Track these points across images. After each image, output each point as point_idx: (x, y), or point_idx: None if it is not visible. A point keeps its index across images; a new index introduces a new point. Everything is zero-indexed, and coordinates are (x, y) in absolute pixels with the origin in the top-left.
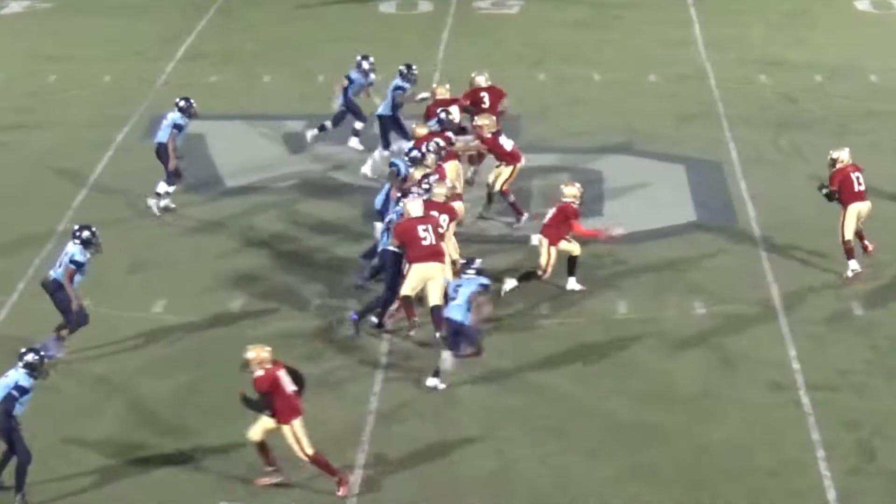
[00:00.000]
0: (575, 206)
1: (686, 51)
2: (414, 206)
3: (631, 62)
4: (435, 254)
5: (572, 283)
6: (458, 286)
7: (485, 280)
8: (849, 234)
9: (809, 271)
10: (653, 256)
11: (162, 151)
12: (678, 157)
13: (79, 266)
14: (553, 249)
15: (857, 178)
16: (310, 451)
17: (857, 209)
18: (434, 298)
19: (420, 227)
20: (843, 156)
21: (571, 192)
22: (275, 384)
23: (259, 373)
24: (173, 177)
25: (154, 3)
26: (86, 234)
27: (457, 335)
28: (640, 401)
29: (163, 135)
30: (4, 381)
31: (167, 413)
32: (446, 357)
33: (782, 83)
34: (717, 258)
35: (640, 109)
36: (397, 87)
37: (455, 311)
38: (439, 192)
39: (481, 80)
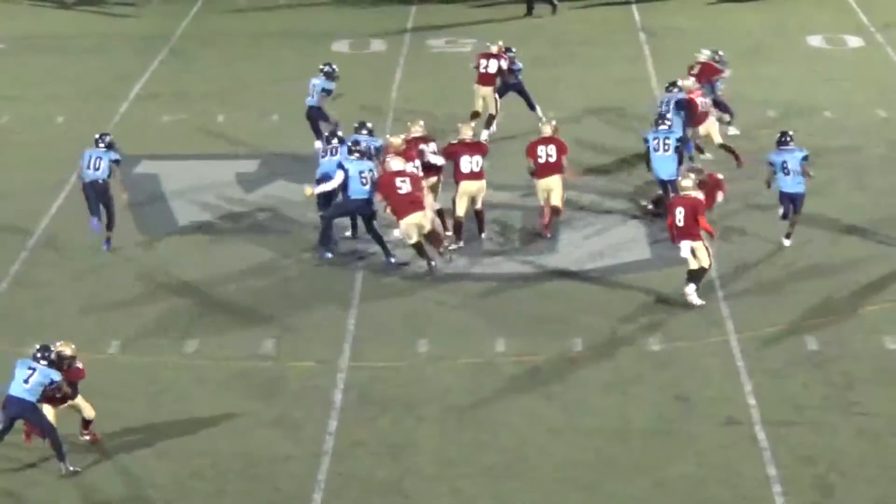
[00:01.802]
0: (700, 197)
1: (639, 87)
2: (395, 162)
3: (585, 99)
4: (413, 203)
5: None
6: None
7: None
8: None
9: (764, 308)
10: (608, 294)
11: (314, 114)
12: (633, 194)
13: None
14: (701, 244)
15: None
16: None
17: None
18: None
19: (398, 180)
20: None
21: (688, 183)
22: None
23: (79, 365)
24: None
25: (107, 43)
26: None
27: None
28: (595, 437)
29: (314, 100)
30: (35, 377)
31: (124, 453)
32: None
33: (737, 120)
34: (672, 295)
35: (595, 147)
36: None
37: None
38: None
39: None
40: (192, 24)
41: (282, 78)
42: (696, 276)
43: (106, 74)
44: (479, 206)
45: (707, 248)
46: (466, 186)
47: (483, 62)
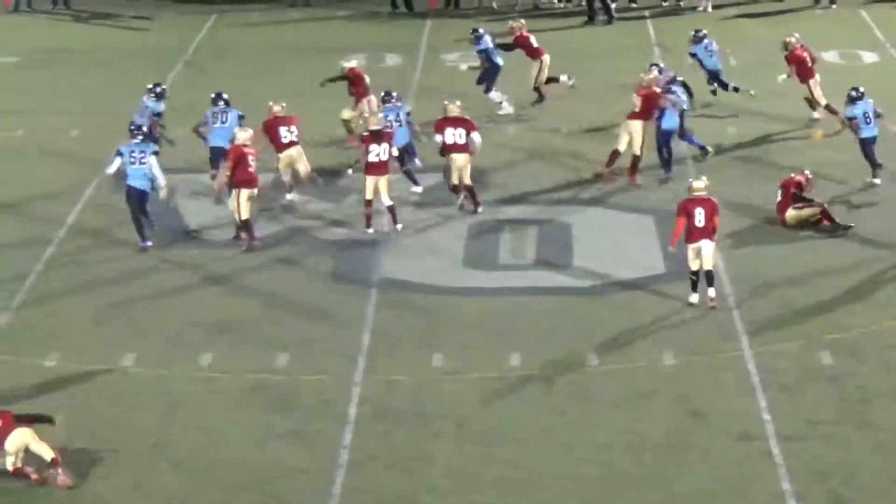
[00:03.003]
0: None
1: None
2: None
3: (598, 113)
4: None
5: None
6: None
7: None
8: None
9: (779, 322)
10: (622, 308)
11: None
12: (647, 209)
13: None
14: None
15: None
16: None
17: None
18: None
19: (249, 158)
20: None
21: (700, 185)
22: None
23: None
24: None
25: (122, 57)
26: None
27: None
28: (609, 452)
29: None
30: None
31: (138, 467)
32: None
33: (750, 133)
34: (686, 309)
35: (605, 162)
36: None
37: None
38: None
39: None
40: (206, 37)
41: (296, 93)
42: (709, 277)
43: (121, 88)
44: (467, 180)
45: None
46: (454, 159)
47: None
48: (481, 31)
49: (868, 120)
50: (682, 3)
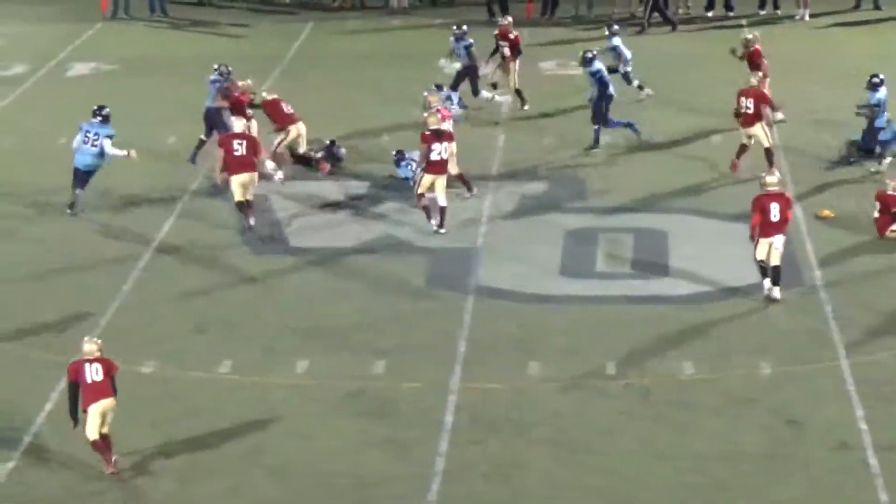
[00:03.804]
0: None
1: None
2: (237, 124)
3: (694, 122)
4: (243, 164)
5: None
6: None
7: None
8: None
9: (876, 331)
10: (718, 316)
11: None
12: (743, 217)
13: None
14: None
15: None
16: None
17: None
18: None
19: (235, 142)
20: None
21: (773, 180)
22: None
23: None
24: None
25: (214, 63)
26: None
27: None
28: (705, 461)
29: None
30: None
31: (234, 473)
32: None
33: (834, 143)
34: (782, 318)
35: (705, 168)
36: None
37: None
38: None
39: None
40: (304, 45)
41: (392, 100)
42: (776, 274)
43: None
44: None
45: None
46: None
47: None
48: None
49: (886, 108)
50: (779, 12)
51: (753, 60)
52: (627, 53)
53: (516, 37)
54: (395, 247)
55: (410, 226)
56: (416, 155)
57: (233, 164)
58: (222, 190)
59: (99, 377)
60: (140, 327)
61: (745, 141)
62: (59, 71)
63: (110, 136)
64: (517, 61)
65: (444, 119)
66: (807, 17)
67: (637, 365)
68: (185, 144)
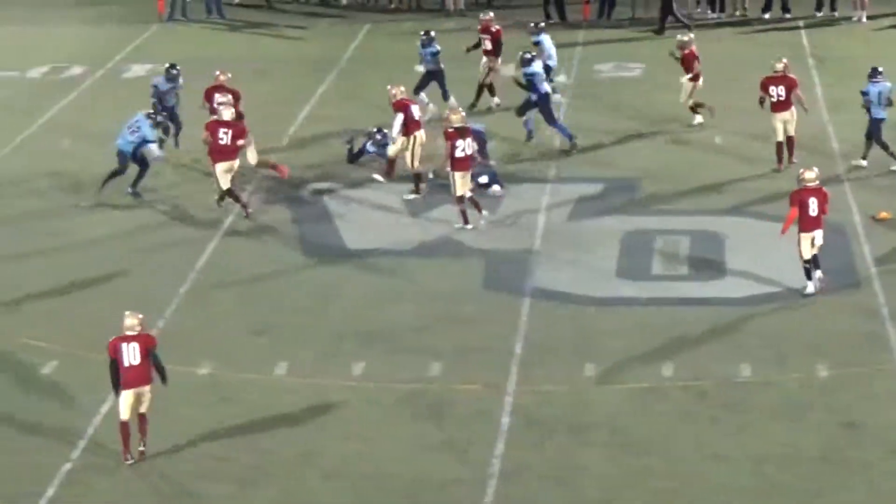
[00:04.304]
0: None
1: (807, 113)
2: (226, 112)
3: (749, 125)
4: (226, 152)
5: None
6: None
7: None
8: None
9: None
10: (775, 318)
11: None
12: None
13: None
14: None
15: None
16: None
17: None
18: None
19: (221, 130)
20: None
21: (811, 175)
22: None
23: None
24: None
25: (277, 66)
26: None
27: None
28: (763, 464)
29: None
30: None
31: (290, 475)
32: None
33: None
34: (839, 321)
35: (760, 172)
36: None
37: None
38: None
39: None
40: (360, 47)
41: (457, 100)
42: (817, 262)
43: (275, 97)
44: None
45: None
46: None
47: None
48: (433, 33)
49: (881, 101)
50: (836, 14)
51: (687, 62)
52: (552, 51)
53: (498, 30)
54: (451, 249)
55: (468, 228)
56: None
57: (217, 152)
58: (279, 192)
59: (136, 360)
60: (197, 329)
61: (779, 137)
62: (116, 73)
63: (151, 141)
64: (498, 58)
65: (410, 105)
66: (864, 19)
67: (694, 367)
68: (240, 145)
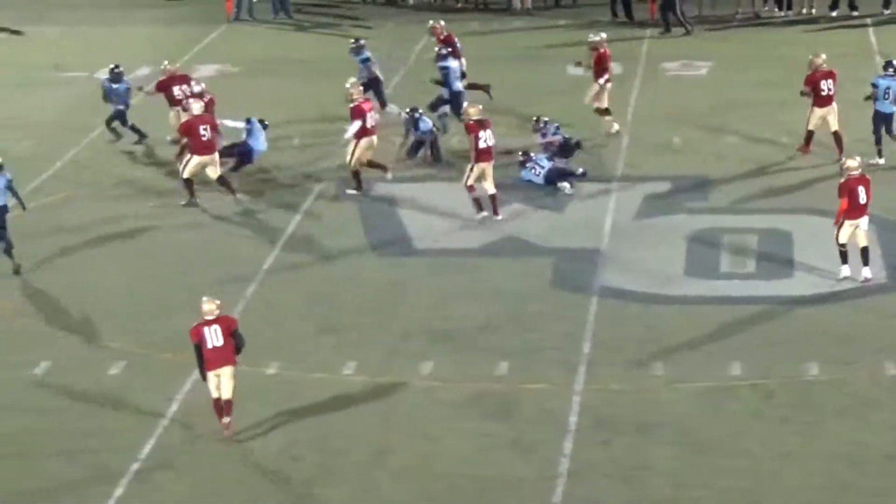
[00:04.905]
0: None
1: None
2: (196, 106)
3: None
4: (206, 147)
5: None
6: None
7: None
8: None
9: None
10: (843, 316)
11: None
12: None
13: None
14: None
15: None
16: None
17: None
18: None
19: (201, 127)
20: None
21: (854, 164)
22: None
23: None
24: None
25: (342, 65)
26: None
27: None
28: (831, 462)
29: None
30: None
31: (359, 475)
32: None
33: None
34: None
35: (828, 167)
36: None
37: None
38: None
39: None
40: (427, 46)
41: (512, 101)
42: (866, 255)
43: (341, 98)
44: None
45: None
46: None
47: None
48: (362, 41)
49: (887, 96)
50: None
51: (600, 64)
52: (458, 47)
53: (448, 36)
54: (519, 248)
55: (534, 227)
56: (542, 160)
57: (198, 147)
58: (347, 192)
59: (219, 341)
60: (265, 329)
61: (834, 127)
62: (184, 73)
63: None
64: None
65: (368, 110)
66: None
67: (762, 366)
68: (309, 147)
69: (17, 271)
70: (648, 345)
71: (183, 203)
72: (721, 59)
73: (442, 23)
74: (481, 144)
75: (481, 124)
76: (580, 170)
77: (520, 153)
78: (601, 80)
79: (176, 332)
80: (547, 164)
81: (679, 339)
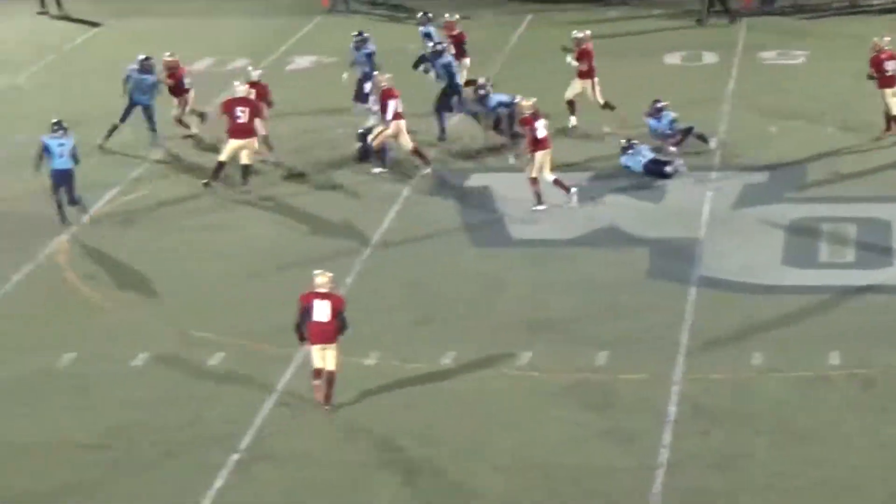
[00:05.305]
0: None
1: None
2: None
3: None
4: (241, 130)
5: None
6: None
7: None
8: None
9: None
10: None
11: None
12: None
13: None
14: None
15: None
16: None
17: None
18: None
19: (238, 109)
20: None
21: None
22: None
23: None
24: None
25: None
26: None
27: None
28: None
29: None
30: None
31: (458, 466)
32: None
33: None
34: None
35: None
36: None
37: None
38: None
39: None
40: (522, 36)
41: (616, 91)
42: None
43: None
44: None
45: None
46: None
47: None
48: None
49: None
50: None
51: (583, 60)
52: (438, 39)
53: (460, 34)
54: (616, 238)
55: (631, 217)
56: (645, 150)
57: (234, 129)
58: (444, 183)
59: (326, 317)
60: (363, 319)
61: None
62: (280, 64)
63: None
64: (464, 59)
65: (394, 97)
66: None
67: (861, 355)
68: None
69: (80, 220)
70: (746, 334)
71: (203, 182)
72: (818, 47)
73: (457, 16)
74: (539, 135)
75: (535, 115)
76: (680, 164)
77: (623, 140)
78: (592, 80)
79: (274, 324)
80: (648, 155)
81: (777, 328)
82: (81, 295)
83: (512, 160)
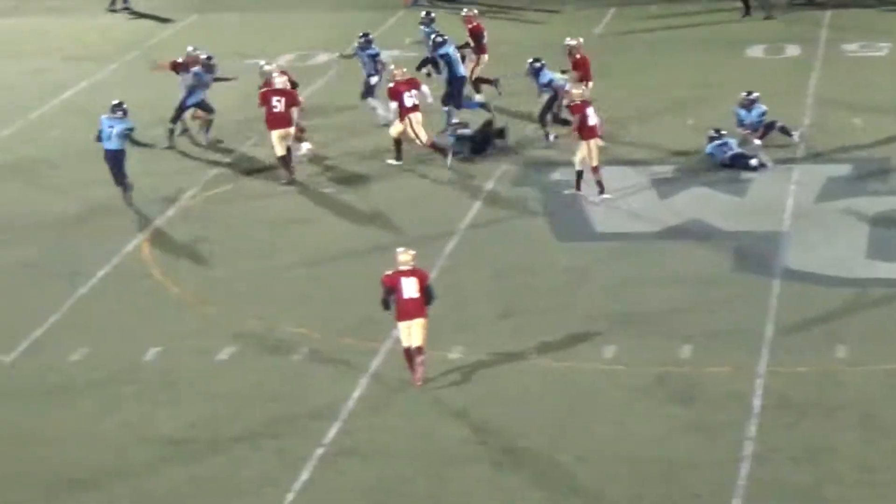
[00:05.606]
0: None
1: None
2: (278, 80)
3: None
4: (279, 119)
5: None
6: None
7: None
8: None
9: None
10: None
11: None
12: None
13: None
14: None
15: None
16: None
17: None
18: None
19: (274, 98)
20: None
21: None
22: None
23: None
24: None
25: (520, 51)
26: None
27: None
28: None
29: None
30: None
31: (543, 458)
32: None
33: None
34: None
35: None
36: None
37: None
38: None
39: None
40: (607, 29)
41: (699, 84)
42: None
43: (517, 83)
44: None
45: None
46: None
47: None
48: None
49: None
50: None
51: (579, 67)
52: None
53: (477, 26)
54: (700, 231)
55: (716, 210)
56: (732, 142)
57: (268, 118)
58: (527, 176)
59: (414, 293)
60: (447, 313)
61: None
62: None
63: None
64: (481, 54)
65: (413, 87)
66: None
67: None
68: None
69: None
70: (831, 327)
71: (283, 182)
72: None
73: (475, 11)
74: (589, 122)
75: (585, 104)
76: (766, 158)
77: (711, 129)
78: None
79: (357, 319)
80: (736, 149)
81: (862, 321)
82: (166, 289)
83: (552, 139)
